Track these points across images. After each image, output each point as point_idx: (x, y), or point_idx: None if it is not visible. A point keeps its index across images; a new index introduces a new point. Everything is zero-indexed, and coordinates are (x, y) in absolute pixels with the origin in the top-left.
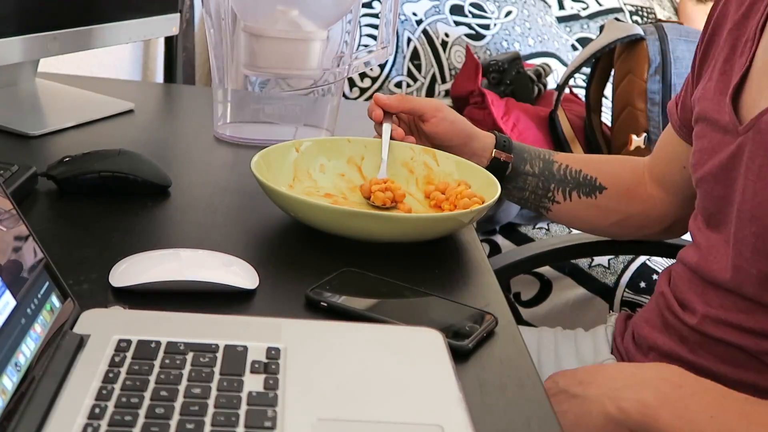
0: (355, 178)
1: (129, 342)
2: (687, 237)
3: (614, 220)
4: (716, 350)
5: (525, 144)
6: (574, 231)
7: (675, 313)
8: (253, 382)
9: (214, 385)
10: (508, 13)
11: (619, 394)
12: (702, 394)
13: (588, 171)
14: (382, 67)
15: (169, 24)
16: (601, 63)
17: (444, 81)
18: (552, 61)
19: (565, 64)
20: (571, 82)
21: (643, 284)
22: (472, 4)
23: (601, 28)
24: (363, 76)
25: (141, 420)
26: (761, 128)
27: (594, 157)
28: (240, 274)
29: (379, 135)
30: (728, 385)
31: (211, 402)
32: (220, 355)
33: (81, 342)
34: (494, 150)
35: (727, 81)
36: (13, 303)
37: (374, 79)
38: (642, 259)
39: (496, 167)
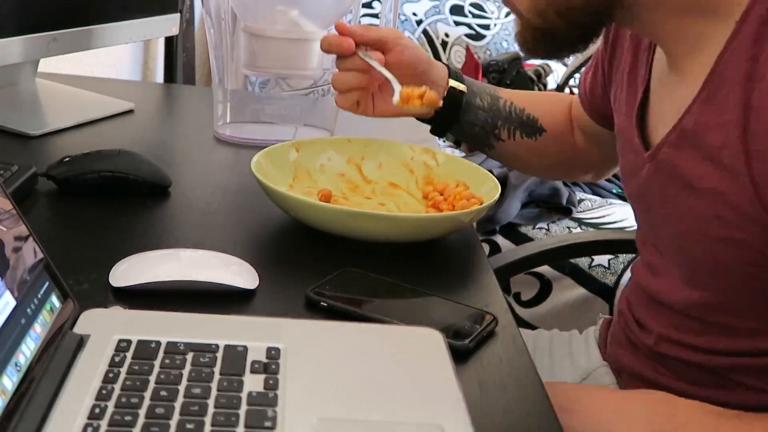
0: (355, 178)
1: (129, 342)
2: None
3: (548, 163)
4: (676, 369)
5: (472, 78)
6: (574, 231)
7: (634, 332)
8: (253, 382)
9: (214, 385)
10: (509, 13)
11: (610, 428)
12: (696, 421)
13: (530, 111)
14: None
15: (169, 24)
16: None
17: None
18: (552, 62)
19: (565, 64)
20: (571, 82)
21: None
22: (472, 4)
23: None
24: None
25: (141, 420)
26: (663, 159)
27: (533, 95)
28: (240, 274)
29: (347, 69)
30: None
31: (211, 402)
32: (220, 355)
33: (81, 342)
34: (449, 80)
35: (633, 96)
36: (13, 303)
37: None
38: None
39: (451, 98)
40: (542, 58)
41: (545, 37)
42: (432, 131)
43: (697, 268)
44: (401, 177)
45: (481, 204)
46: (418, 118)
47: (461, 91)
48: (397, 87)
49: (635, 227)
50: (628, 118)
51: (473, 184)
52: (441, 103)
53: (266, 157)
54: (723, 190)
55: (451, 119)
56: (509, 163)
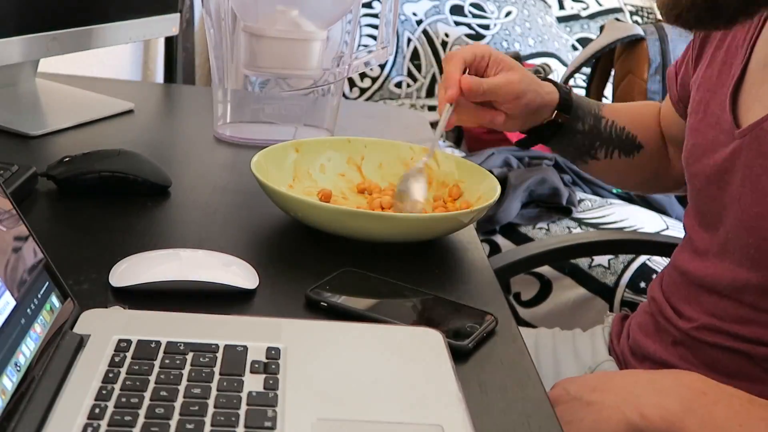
0: (354, 178)
1: (129, 342)
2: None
3: (643, 178)
4: (709, 357)
5: (579, 96)
6: (574, 231)
7: (668, 319)
8: (253, 382)
9: (214, 385)
10: (508, 13)
11: (641, 400)
12: (727, 401)
13: (631, 128)
14: (382, 67)
15: (169, 24)
16: (602, 63)
17: None
18: (552, 61)
19: (565, 64)
20: (572, 82)
21: (643, 284)
22: (472, 4)
23: (602, 28)
24: (363, 76)
25: (141, 420)
26: (760, 136)
27: (635, 110)
28: (240, 274)
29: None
30: None
31: (211, 402)
32: (220, 355)
33: (81, 342)
34: (555, 112)
35: (727, 74)
36: (13, 303)
37: (374, 80)
38: (642, 259)
39: (551, 125)
40: (687, 28)
41: (703, 5)
42: (519, 143)
43: (767, 249)
44: (401, 177)
45: (480, 204)
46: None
47: (563, 122)
48: (429, 157)
49: (635, 227)
50: (717, 95)
51: (473, 184)
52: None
53: (266, 157)
54: None
55: (545, 140)
56: (601, 178)
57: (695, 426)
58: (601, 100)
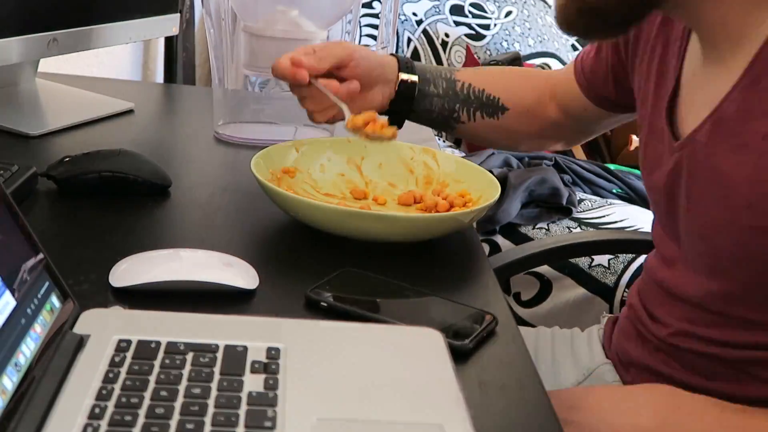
0: (355, 178)
1: (129, 342)
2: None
3: (515, 138)
4: (688, 361)
5: (425, 63)
6: (574, 231)
7: (645, 325)
8: (253, 382)
9: (214, 385)
10: (508, 14)
11: (615, 420)
12: (701, 413)
13: (491, 90)
14: None
15: (169, 24)
16: None
17: None
18: (552, 61)
19: (564, 64)
20: None
21: None
22: (472, 4)
23: None
24: None
25: (141, 420)
26: (694, 149)
27: (495, 73)
28: (240, 274)
29: (301, 95)
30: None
31: (211, 402)
32: (220, 355)
33: (81, 342)
34: (399, 73)
35: (662, 87)
36: (13, 303)
37: None
38: (642, 258)
39: (404, 90)
40: (581, 36)
41: (589, 13)
42: (390, 122)
43: (721, 257)
44: (401, 177)
45: (480, 204)
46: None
47: (413, 82)
48: (347, 114)
49: (635, 227)
50: (656, 109)
51: (473, 184)
52: (393, 132)
53: (266, 157)
54: (760, 178)
55: (406, 110)
56: (474, 141)
57: None
58: None
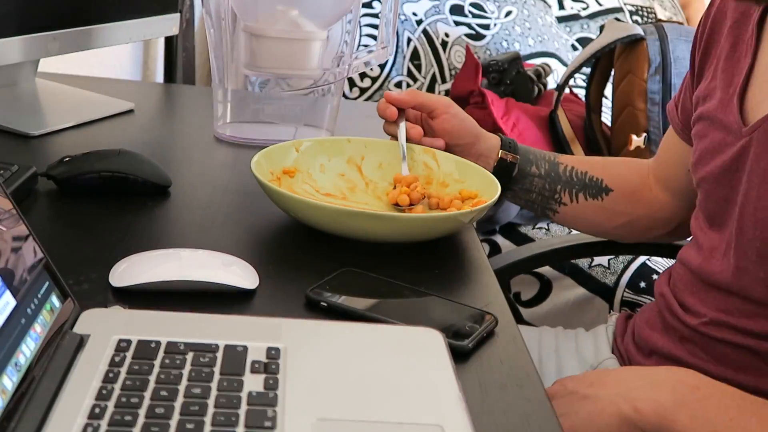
0: (355, 178)
1: (129, 342)
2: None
3: (620, 222)
4: (717, 352)
5: (530, 146)
6: (574, 231)
7: (676, 315)
8: (253, 382)
9: (214, 385)
10: (508, 13)
11: (634, 394)
12: (719, 396)
13: (594, 173)
14: (382, 67)
15: (169, 24)
16: (601, 63)
17: (444, 81)
18: (552, 61)
19: (565, 64)
20: (571, 82)
21: (643, 284)
22: (472, 4)
23: (601, 28)
24: (363, 76)
25: (141, 420)
26: (766, 131)
27: (599, 159)
28: (240, 274)
29: (390, 134)
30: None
31: (211, 402)
32: (220, 355)
33: (81, 342)
34: (500, 151)
35: (731, 80)
36: (13, 303)
37: (374, 79)
38: (642, 259)
39: (502, 168)
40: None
41: None
42: None
43: None
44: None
45: (480, 204)
46: None
47: (512, 162)
48: (404, 170)
49: None
50: (722, 100)
51: (473, 184)
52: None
53: (266, 157)
54: None
55: (503, 187)
56: (577, 227)
57: (686, 419)
58: (601, 100)
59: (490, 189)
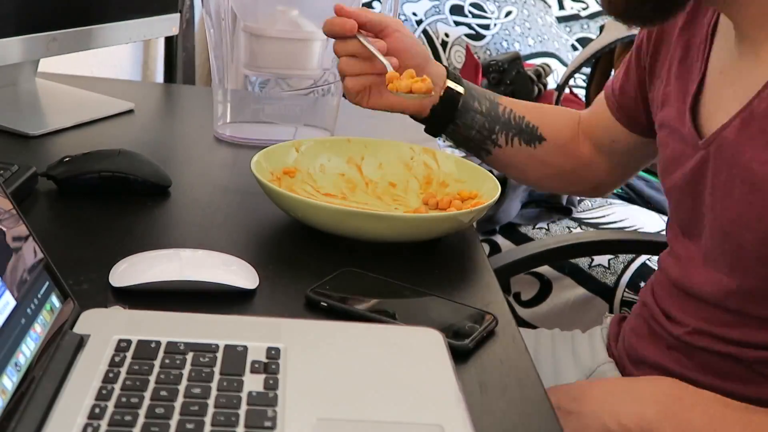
0: (355, 177)
1: (129, 342)
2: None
3: (548, 173)
4: (702, 360)
5: (470, 82)
6: (574, 231)
7: (660, 323)
8: (253, 382)
9: (214, 385)
10: (508, 13)
11: (618, 408)
12: (703, 406)
13: (530, 119)
14: None
15: (169, 24)
16: (601, 63)
17: None
18: (552, 61)
19: (565, 64)
20: (571, 82)
21: (643, 284)
22: (472, 4)
23: (601, 28)
24: None
25: (141, 420)
26: (722, 145)
27: (536, 106)
28: (240, 274)
29: (342, 53)
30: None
31: (211, 402)
32: (220, 355)
33: (81, 342)
34: (447, 80)
35: (685, 88)
36: (13, 303)
37: None
38: (642, 258)
39: (448, 99)
40: (621, 19)
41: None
42: (426, 130)
43: (745, 254)
44: (401, 177)
45: (480, 204)
46: (414, 118)
47: (459, 92)
48: (389, 68)
49: (635, 227)
50: (678, 109)
51: (473, 184)
52: (433, 93)
53: (266, 157)
54: None
55: (447, 119)
56: (505, 171)
57: (671, 431)
58: None
59: (490, 189)
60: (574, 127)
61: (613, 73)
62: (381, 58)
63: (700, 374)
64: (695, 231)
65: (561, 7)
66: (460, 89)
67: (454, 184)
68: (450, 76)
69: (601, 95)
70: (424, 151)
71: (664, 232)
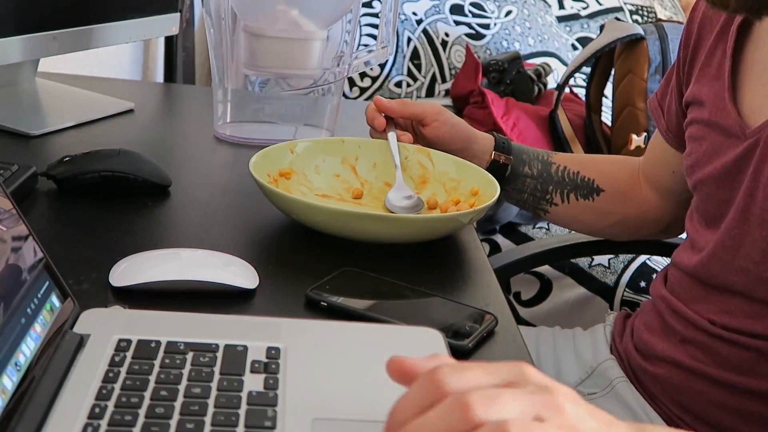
0: (350, 178)
1: (129, 342)
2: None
3: (611, 222)
4: (720, 355)
5: (524, 145)
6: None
7: (679, 316)
8: (253, 382)
9: (214, 384)
10: (508, 13)
11: None
12: None
13: (586, 173)
14: (382, 66)
15: (169, 24)
16: (602, 62)
17: (444, 81)
18: (552, 61)
19: (565, 64)
20: (572, 81)
21: (643, 284)
22: (472, 4)
23: (602, 27)
24: (363, 75)
25: (141, 420)
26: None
27: (592, 158)
28: (240, 274)
29: (380, 138)
30: (733, 391)
31: (211, 402)
32: (220, 354)
33: (81, 342)
34: (493, 152)
35: (724, 83)
36: (13, 303)
37: (374, 79)
38: (642, 258)
39: (494, 170)
40: (730, 11)
41: None
42: None
43: None
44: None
45: (481, 204)
46: None
47: (505, 163)
48: (399, 176)
49: None
50: (716, 105)
51: (471, 183)
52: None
53: (263, 159)
54: None
55: None
56: (568, 226)
57: None
58: (601, 100)
59: (489, 188)
60: (633, 173)
61: (613, 72)
62: (397, 162)
63: (716, 369)
64: (724, 220)
65: (561, 6)
66: (506, 159)
67: (451, 183)
68: (498, 146)
69: (654, 135)
70: (419, 150)
71: None
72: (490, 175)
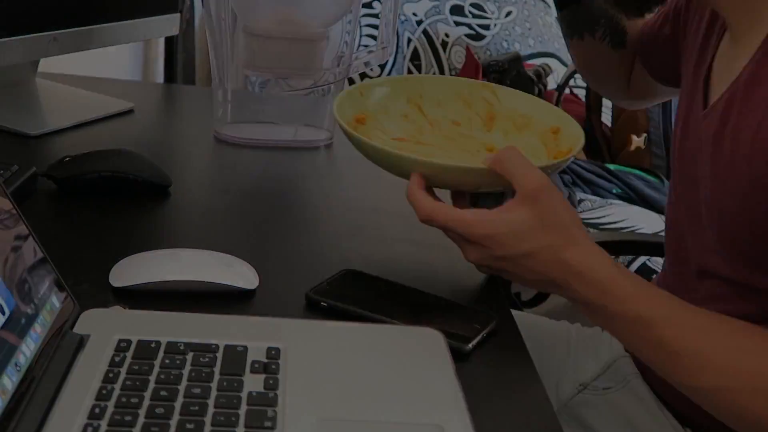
0: (418, 119)
1: (129, 342)
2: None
3: (614, 75)
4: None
5: None
6: None
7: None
8: (253, 382)
9: (214, 385)
10: (508, 14)
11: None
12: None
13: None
14: (382, 67)
15: (169, 24)
16: None
17: None
18: (552, 62)
19: (565, 65)
20: (572, 82)
21: None
22: (472, 5)
23: None
24: (363, 76)
25: (141, 420)
26: (714, 118)
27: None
28: (240, 274)
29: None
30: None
31: (211, 402)
32: (220, 355)
33: (81, 342)
34: None
35: (702, 63)
36: (13, 303)
37: None
38: (642, 259)
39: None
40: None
41: None
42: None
43: (727, 220)
44: (462, 114)
45: (569, 151)
46: None
47: None
48: None
49: (635, 227)
50: (695, 84)
51: (541, 121)
52: None
53: (341, 109)
54: (762, 136)
55: None
56: (585, 59)
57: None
58: (601, 101)
59: (571, 129)
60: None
61: None
62: None
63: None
64: (697, 204)
65: None
66: None
67: (521, 119)
68: None
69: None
70: (483, 86)
71: (663, 233)
72: (560, 109)
